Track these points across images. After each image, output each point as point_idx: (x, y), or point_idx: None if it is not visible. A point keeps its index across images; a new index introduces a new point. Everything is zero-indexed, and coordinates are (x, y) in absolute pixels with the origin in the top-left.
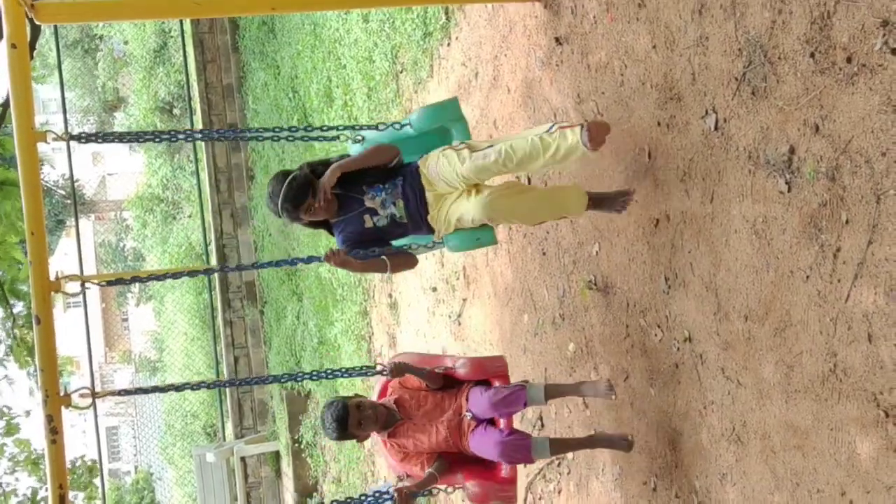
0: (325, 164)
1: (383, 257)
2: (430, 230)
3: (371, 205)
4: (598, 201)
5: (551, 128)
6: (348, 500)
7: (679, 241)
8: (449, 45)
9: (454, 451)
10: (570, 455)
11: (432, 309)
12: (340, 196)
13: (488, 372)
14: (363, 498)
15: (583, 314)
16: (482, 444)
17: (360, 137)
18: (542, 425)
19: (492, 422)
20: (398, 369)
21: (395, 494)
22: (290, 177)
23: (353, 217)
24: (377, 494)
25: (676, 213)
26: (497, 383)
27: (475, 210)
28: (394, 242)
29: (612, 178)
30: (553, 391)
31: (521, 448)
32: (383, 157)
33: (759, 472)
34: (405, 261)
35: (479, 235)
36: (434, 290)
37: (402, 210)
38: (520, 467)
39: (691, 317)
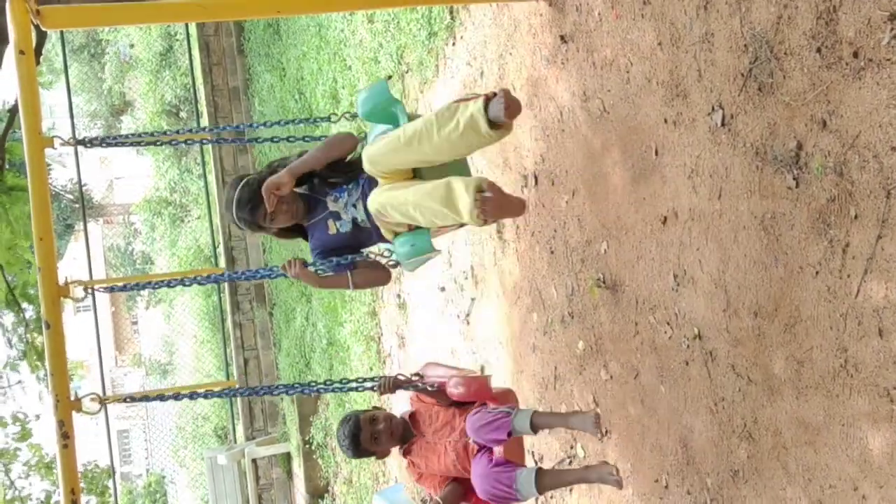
0: (283, 164)
1: (347, 272)
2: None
3: (334, 208)
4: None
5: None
6: None
7: (687, 239)
8: (454, 44)
9: (466, 477)
10: (580, 453)
11: (441, 309)
12: (308, 198)
13: (472, 393)
14: None
15: (592, 312)
16: (473, 473)
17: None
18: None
19: (490, 448)
20: (388, 385)
21: None
22: (243, 181)
23: (319, 222)
24: None
25: (684, 210)
26: (492, 405)
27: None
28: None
29: (618, 177)
30: (541, 421)
31: (501, 482)
32: (339, 148)
33: (771, 468)
34: (374, 276)
35: (413, 241)
36: (442, 289)
37: (363, 213)
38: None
39: (700, 314)
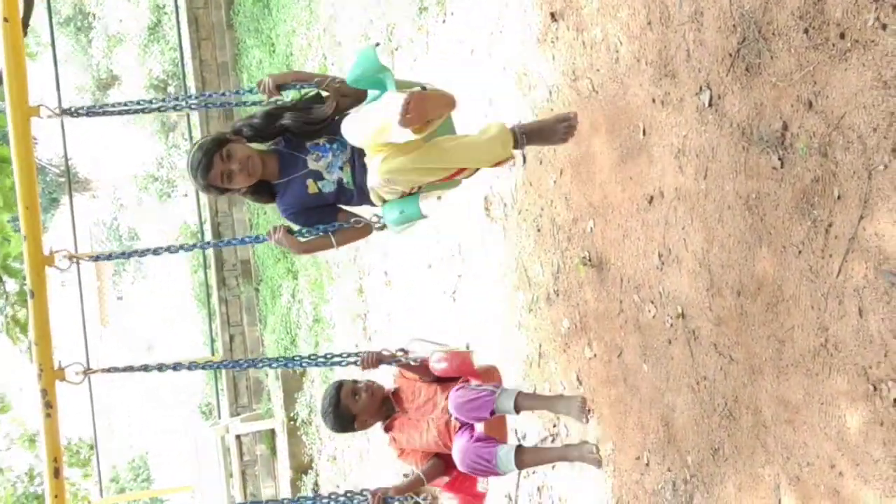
0: (249, 123)
1: (329, 233)
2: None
3: (315, 167)
4: (533, 134)
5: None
6: (318, 497)
7: (673, 218)
8: (444, 21)
9: (447, 453)
10: (562, 432)
11: (428, 286)
12: (281, 153)
13: (454, 369)
14: (333, 496)
15: (577, 290)
16: (454, 448)
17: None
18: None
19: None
20: (370, 361)
21: (370, 496)
22: (195, 144)
23: (295, 180)
24: (349, 494)
25: (670, 189)
26: (474, 381)
27: (370, 175)
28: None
29: (606, 156)
30: (525, 403)
31: (481, 457)
32: (331, 87)
33: (751, 446)
34: (356, 233)
35: (402, 208)
36: (429, 266)
37: (349, 175)
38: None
39: (684, 293)
